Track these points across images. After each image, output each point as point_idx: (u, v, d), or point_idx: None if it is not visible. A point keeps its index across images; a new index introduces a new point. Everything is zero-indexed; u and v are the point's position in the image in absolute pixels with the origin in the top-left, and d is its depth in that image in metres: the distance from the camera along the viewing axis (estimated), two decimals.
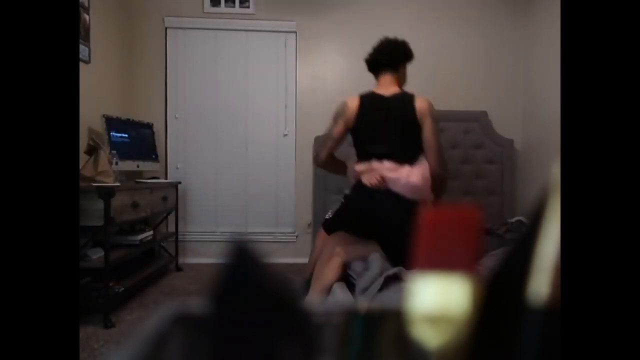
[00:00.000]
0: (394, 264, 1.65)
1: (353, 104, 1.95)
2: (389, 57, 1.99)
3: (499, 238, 2.30)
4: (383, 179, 1.76)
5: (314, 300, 1.56)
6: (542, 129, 2.97)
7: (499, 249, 1.66)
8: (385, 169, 1.79)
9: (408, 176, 1.77)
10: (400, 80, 2.01)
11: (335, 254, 1.71)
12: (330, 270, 1.68)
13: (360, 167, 1.88)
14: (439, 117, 1.88)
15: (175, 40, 3.13)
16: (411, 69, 3.21)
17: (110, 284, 2.03)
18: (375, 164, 1.82)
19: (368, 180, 1.78)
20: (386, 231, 1.77)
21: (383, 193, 1.78)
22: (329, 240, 1.85)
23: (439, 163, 1.82)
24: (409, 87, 3.30)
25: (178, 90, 3.15)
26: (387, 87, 1.96)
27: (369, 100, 1.94)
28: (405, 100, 1.87)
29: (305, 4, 3.15)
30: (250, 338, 0.28)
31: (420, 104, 1.83)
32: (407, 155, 1.82)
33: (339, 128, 1.98)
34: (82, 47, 2.42)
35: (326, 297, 1.58)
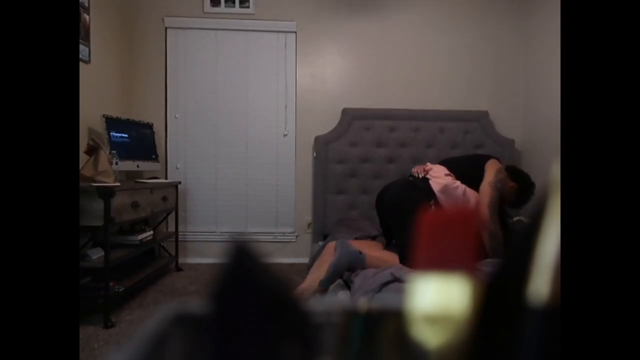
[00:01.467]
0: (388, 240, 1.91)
1: None
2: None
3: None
4: (426, 170, 1.95)
5: (306, 289, 1.59)
6: (543, 129, 2.97)
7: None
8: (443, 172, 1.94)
9: (465, 190, 1.87)
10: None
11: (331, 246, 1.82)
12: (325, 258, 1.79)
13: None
14: (502, 178, 1.90)
15: (175, 40, 3.13)
16: (411, 69, 3.23)
17: (110, 284, 2.03)
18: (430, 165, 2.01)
19: (416, 170, 1.99)
20: (389, 204, 1.93)
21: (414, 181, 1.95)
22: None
23: (489, 210, 1.81)
24: (409, 87, 3.29)
25: (178, 90, 3.15)
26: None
27: None
28: (484, 155, 2.09)
29: (305, 4, 3.15)
30: (250, 338, 0.28)
31: (491, 162, 1.95)
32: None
33: None
34: (82, 47, 2.42)
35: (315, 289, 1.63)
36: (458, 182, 1.88)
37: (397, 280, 1.43)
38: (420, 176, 1.94)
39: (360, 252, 1.64)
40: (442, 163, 2.05)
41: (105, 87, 2.74)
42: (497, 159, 2.01)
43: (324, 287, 1.58)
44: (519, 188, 2.03)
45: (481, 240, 1.76)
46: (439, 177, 1.90)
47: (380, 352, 0.34)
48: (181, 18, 3.10)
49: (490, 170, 1.88)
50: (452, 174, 1.93)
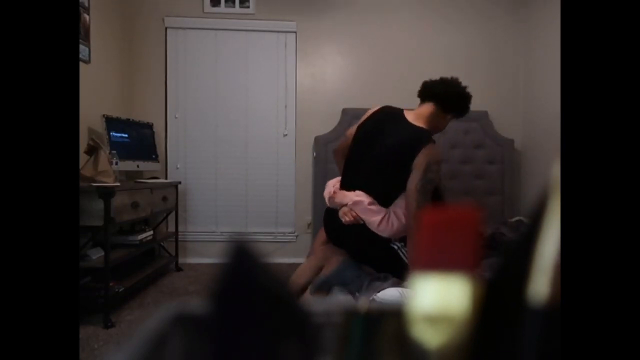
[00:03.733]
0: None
1: (371, 110, 1.86)
2: (445, 93, 1.79)
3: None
4: (358, 217, 1.62)
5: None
6: (543, 129, 2.97)
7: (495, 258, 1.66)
8: (358, 201, 1.63)
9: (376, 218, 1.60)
10: (432, 122, 1.75)
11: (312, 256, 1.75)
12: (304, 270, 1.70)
13: (332, 189, 1.79)
14: (434, 176, 1.57)
15: (175, 40, 3.13)
16: (412, 69, 3.23)
17: (110, 284, 2.03)
18: (345, 193, 1.68)
19: (342, 217, 1.65)
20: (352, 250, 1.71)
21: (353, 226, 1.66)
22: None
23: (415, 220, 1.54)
24: (409, 87, 3.30)
25: (178, 90, 3.15)
26: (415, 114, 1.76)
27: (384, 113, 1.81)
28: (414, 137, 1.61)
29: (305, 4, 3.15)
30: (250, 338, 0.28)
31: (422, 154, 1.55)
32: (380, 192, 1.64)
33: (349, 131, 1.88)
34: (82, 47, 2.42)
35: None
36: (384, 211, 1.61)
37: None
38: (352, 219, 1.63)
39: (359, 276, 1.54)
40: (361, 181, 1.67)
41: (105, 87, 2.73)
42: (429, 139, 1.61)
43: (311, 293, 1.57)
44: (455, 113, 1.77)
45: (481, 241, 1.74)
46: (364, 208, 1.60)
47: (380, 352, 0.34)
48: (181, 18, 3.10)
49: (418, 168, 1.53)
50: (374, 201, 1.62)
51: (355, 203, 1.62)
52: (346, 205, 1.65)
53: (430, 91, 1.82)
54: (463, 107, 1.82)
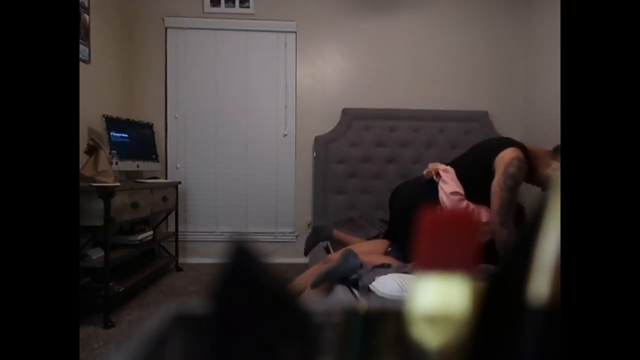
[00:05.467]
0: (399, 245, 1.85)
1: None
2: None
3: None
4: (437, 173, 1.86)
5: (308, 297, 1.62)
6: (543, 129, 2.97)
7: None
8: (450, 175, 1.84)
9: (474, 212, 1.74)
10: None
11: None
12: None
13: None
14: (517, 177, 1.66)
15: (175, 40, 3.13)
16: (411, 69, 3.23)
17: (110, 284, 2.03)
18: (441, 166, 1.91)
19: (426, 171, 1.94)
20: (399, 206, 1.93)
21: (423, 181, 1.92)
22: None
23: (498, 216, 1.65)
24: (409, 87, 3.29)
25: (178, 90, 3.15)
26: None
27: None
28: (497, 144, 1.79)
29: (305, 4, 3.15)
30: (250, 338, 0.28)
31: (503, 154, 1.69)
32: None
33: None
34: (82, 47, 2.42)
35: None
36: (470, 206, 1.74)
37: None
38: (434, 177, 1.86)
39: (362, 266, 1.60)
40: (452, 164, 1.89)
41: (105, 87, 2.73)
42: (517, 144, 1.73)
43: (312, 287, 1.60)
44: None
45: (481, 241, 1.75)
46: (447, 190, 1.77)
47: (380, 352, 0.34)
48: (181, 18, 3.10)
49: (500, 166, 1.66)
50: (460, 189, 1.77)
51: (446, 170, 1.86)
52: (437, 169, 1.88)
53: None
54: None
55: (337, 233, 2.25)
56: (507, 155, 1.67)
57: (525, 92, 3.22)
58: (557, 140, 2.76)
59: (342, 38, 3.18)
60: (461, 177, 1.80)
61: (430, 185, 1.86)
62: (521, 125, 3.24)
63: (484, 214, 1.71)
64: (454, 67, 3.22)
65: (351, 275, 1.55)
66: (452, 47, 3.21)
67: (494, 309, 0.29)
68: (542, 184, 1.79)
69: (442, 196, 1.78)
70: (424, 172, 1.96)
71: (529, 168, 1.72)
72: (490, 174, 1.69)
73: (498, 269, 0.30)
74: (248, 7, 3.12)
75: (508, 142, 1.75)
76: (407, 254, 1.79)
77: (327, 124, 3.14)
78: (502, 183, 1.63)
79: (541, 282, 0.26)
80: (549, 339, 0.26)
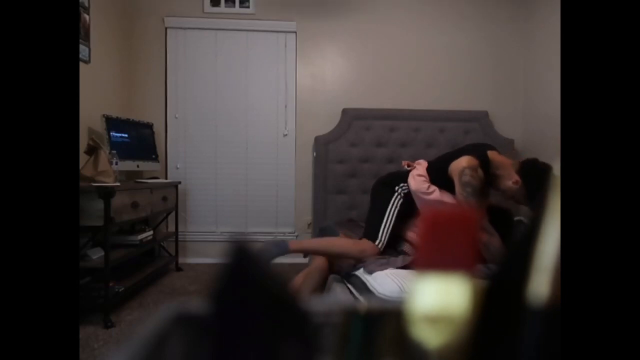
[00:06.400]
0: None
1: None
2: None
3: None
4: (409, 164, 2.07)
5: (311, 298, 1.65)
6: (543, 129, 2.97)
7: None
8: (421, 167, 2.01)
9: (438, 195, 1.86)
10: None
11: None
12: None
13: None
14: (471, 181, 1.74)
15: (175, 40, 3.13)
16: (411, 69, 3.23)
17: (110, 284, 2.03)
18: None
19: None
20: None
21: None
22: None
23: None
24: (409, 87, 3.29)
25: (178, 90, 3.15)
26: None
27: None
28: (459, 150, 1.95)
29: (305, 4, 3.15)
30: (250, 338, 0.28)
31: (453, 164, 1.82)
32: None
33: None
34: (82, 47, 2.42)
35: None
36: (432, 187, 1.87)
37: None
38: (406, 168, 2.05)
39: (283, 240, 1.89)
40: (430, 161, 2.04)
41: (105, 87, 2.73)
42: (476, 152, 1.82)
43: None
44: (524, 183, 1.78)
45: (481, 242, 1.76)
46: (415, 173, 1.95)
47: (380, 352, 0.34)
48: (181, 18, 3.10)
49: (454, 175, 1.75)
50: (427, 175, 1.92)
51: (418, 162, 2.06)
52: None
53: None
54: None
55: (342, 233, 2.28)
56: (459, 164, 1.76)
57: (525, 92, 3.22)
58: (557, 140, 2.76)
59: (342, 38, 3.18)
60: (429, 172, 1.96)
61: (403, 174, 2.04)
62: (521, 125, 3.24)
63: (446, 197, 1.83)
64: (454, 67, 3.22)
65: (278, 247, 1.81)
66: (452, 47, 3.21)
67: (494, 309, 0.29)
68: (505, 194, 1.87)
69: (410, 178, 1.94)
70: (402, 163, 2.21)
71: (494, 176, 1.83)
72: (448, 178, 1.83)
73: (498, 269, 0.30)
74: (248, 7, 3.12)
75: (468, 150, 1.87)
76: (367, 229, 1.95)
77: (327, 124, 3.14)
78: (462, 191, 1.72)
79: (541, 282, 0.26)
80: (549, 339, 0.26)
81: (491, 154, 1.87)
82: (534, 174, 1.78)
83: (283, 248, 1.85)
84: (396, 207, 1.92)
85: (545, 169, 1.79)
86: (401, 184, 1.97)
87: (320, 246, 1.94)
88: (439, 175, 1.89)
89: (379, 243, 1.85)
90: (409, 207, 1.91)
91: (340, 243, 1.92)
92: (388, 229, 1.88)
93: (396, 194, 1.95)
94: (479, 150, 1.86)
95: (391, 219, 1.90)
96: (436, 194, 1.85)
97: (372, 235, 1.87)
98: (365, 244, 1.85)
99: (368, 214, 2.02)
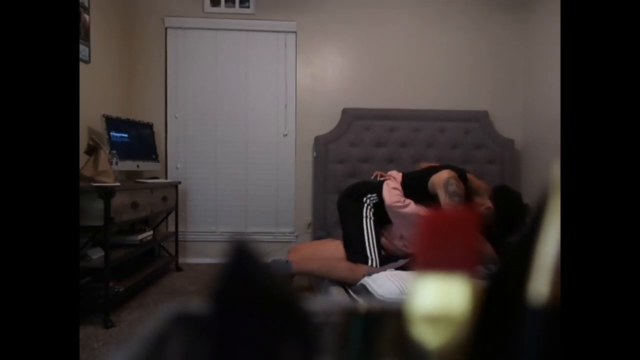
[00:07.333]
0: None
1: None
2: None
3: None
4: (382, 175, 2.17)
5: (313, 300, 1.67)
6: (543, 129, 2.97)
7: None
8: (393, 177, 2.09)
9: (413, 209, 1.92)
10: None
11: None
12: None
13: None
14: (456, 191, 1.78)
15: (175, 40, 3.13)
16: (411, 69, 3.23)
17: (110, 284, 2.02)
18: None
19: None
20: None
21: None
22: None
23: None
24: (409, 87, 3.29)
25: (178, 90, 3.15)
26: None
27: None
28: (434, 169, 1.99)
29: (305, 4, 3.15)
30: (250, 338, 0.28)
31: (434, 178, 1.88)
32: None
33: None
34: (82, 47, 2.42)
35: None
36: (407, 200, 1.92)
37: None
38: (379, 179, 2.12)
39: (287, 261, 1.91)
40: (404, 174, 2.10)
41: (105, 87, 2.73)
42: (452, 168, 1.90)
43: None
44: (496, 210, 1.82)
45: (481, 242, 1.77)
46: (391, 185, 1.98)
47: (380, 352, 0.34)
48: (181, 18, 3.10)
49: (438, 187, 1.80)
50: (401, 189, 1.97)
51: (390, 175, 2.13)
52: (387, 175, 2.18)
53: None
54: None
55: (330, 239, 2.44)
56: (442, 176, 1.82)
57: (525, 92, 3.22)
58: (557, 140, 2.76)
59: (342, 38, 3.18)
60: (403, 186, 2.02)
61: (374, 183, 2.11)
62: (521, 125, 3.24)
63: (422, 211, 1.89)
64: (454, 67, 3.22)
65: (281, 270, 1.85)
66: (452, 47, 3.21)
67: (494, 309, 0.29)
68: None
69: (385, 190, 1.99)
70: (372, 176, 2.31)
71: (469, 198, 1.87)
72: (422, 193, 1.89)
73: (498, 268, 0.30)
74: (248, 7, 3.12)
75: (445, 167, 1.93)
76: (346, 245, 1.99)
77: (327, 124, 3.14)
78: (449, 201, 1.74)
79: (541, 282, 0.26)
80: (549, 339, 0.26)
81: (469, 175, 1.95)
82: (506, 201, 1.85)
83: (286, 269, 1.88)
84: (370, 217, 1.97)
85: (517, 196, 1.89)
86: (368, 195, 2.02)
87: (320, 271, 1.96)
88: (413, 189, 1.95)
89: (373, 263, 1.87)
90: (380, 214, 1.97)
91: (339, 269, 1.91)
92: (373, 244, 1.91)
93: (365, 205, 2.01)
94: (457, 168, 1.93)
95: (371, 232, 1.93)
96: (412, 206, 1.90)
97: (363, 259, 1.89)
98: (361, 270, 1.84)
99: (344, 232, 2.06)
